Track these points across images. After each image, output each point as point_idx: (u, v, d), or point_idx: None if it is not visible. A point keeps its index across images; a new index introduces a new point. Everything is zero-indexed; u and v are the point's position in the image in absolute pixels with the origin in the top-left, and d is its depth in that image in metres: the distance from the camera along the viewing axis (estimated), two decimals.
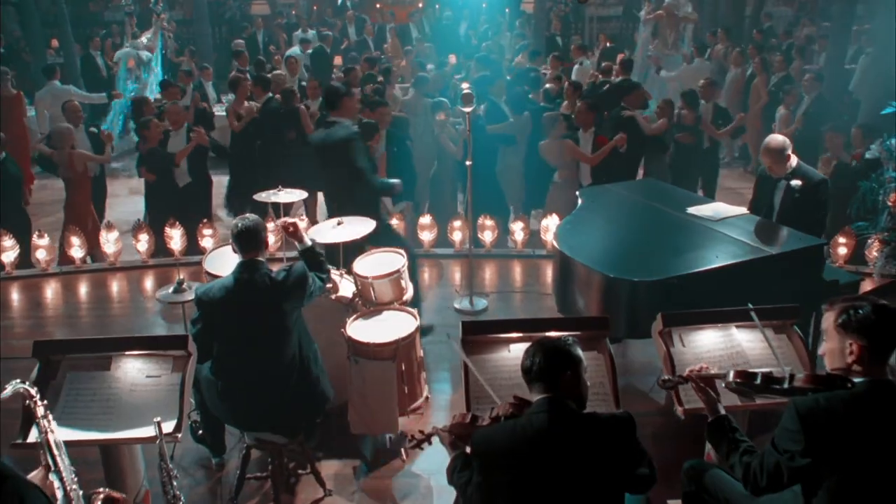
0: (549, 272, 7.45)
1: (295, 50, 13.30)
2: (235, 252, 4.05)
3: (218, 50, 16.72)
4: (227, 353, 4.01)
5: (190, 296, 4.46)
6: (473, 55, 12.55)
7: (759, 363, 3.48)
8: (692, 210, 5.38)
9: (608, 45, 15.11)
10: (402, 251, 5.18)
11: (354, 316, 4.84)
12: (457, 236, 7.66)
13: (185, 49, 14.91)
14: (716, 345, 3.61)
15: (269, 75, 10.31)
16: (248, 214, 4.13)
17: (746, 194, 11.00)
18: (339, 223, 5.10)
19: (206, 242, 7.47)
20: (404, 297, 5.04)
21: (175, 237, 7.48)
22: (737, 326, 3.66)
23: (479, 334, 3.57)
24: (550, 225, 7.59)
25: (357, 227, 5.13)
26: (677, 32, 12.58)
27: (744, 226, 5.12)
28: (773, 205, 5.51)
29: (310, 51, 13.61)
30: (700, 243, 4.90)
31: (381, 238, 5.45)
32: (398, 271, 4.95)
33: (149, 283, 7.28)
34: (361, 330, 4.69)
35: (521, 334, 3.55)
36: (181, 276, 4.70)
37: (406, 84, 11.21)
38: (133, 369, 3.51)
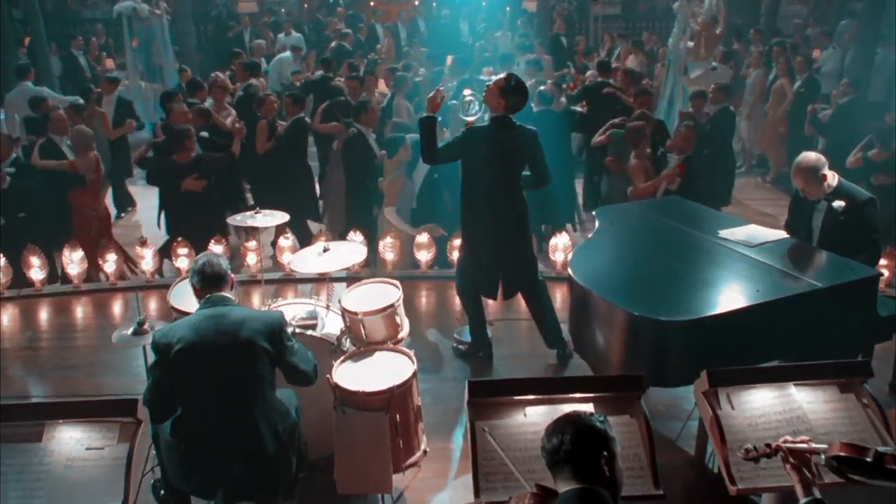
0: (557, 296, 6.94)
1: (286, 55, 12.79)
2: (196, 293, 3.61)
3: (203, 50, 16.20)
4: (191, 408, 3.50)
5: (148, 340, 3.95)
6: (470, 56, 12.10)
7: (824, 429, 2.97)
8: (724, 234, 4.90)
9: (610, 44, 14.67)
10: (396, 283, 4.66)
11: (342, 358, 4.32)
12: (457, 256, 7.12)
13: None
14: (772, 407, 3.10)
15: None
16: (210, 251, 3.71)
17: (761, 207, 10.78)
18: (324, 249, 4.58)
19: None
20: (399, 336, 4.52)
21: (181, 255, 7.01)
22: (796, 385, 3.14)
23: (488, 396, 3.05)
24: (559, 244, 7.08)
25: (345, 254, 4.62)
26: (711, 48, 12.12)
27: (784, 253, 4.64)
28: (812, 228, 5.05)
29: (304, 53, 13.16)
30: (736, 274, 4.41)
31: None
32: (392, 306, 4.43)
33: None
34: (350, 375, 4.18)
35: (538, 396, 3.03)
36: (143, 315, 4.17)
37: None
38: (70, 440, 3.00)
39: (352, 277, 6.99)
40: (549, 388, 3.08)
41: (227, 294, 3.60)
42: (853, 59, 11.00)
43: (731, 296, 4.14)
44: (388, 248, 7.14)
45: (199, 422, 3.48)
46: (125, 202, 10.32)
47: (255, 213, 4.72)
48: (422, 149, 5.32)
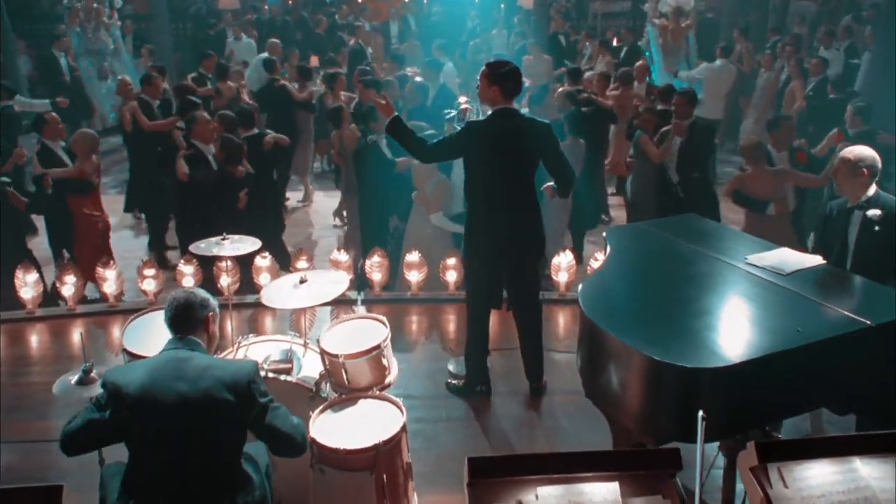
0: (561, 321, 6.50)
1: (265, 55, 12.29)
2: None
3: (181, 49, 15.67)
4: (140, 467, 3.02)
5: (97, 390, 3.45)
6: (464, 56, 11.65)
7: None
8: (752, 260, 4.42)
9: (616, 43, 14.23)
10: (383, 319, 4.18)
11: (321, 407, 3.84)
12: (451, 276, 6.65)
13: (142, 47, 13.84)
14: (833, 485, 2.64)
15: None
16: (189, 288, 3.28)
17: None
18: (301, 280, 4.10)
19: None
20: (387, 381, 4.04)
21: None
22: (861, 458, 2.67)
23: (493, 475, 2.57)
24: (562, 263, 6.61)
25: (326, 285, 4.14)
26: (684, 40, 11.78)
27: (823, 282, 4.18)
28: (847, 243, 4.70)
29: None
30: (770, 308, 3.93)
31: None
32: (378, 347, 3.96)
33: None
34: (330, 428, 3.71)
35: (553, 476, 2.56)
36: (90, 361, 3.66)
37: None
38: None
39: (371, 301, 6.58)
40: (565, 464, 2.59)
41: (197, 339, 3.17)
42: (867, 76, 10.43)
43: (767, 336, 3.66)
44: (374, 268, 6.66)
45: (148, 484, 3.01)
46: None
47: (222, 239, 4.23)
48: (408, 149, 4.93)
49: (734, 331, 3.73)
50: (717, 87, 11.53)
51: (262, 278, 6.55)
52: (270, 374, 3.93)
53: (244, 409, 3.03)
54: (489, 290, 5.17)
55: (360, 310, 6.47)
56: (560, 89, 9.54)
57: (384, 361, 4.00)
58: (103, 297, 6.49)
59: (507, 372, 5.59)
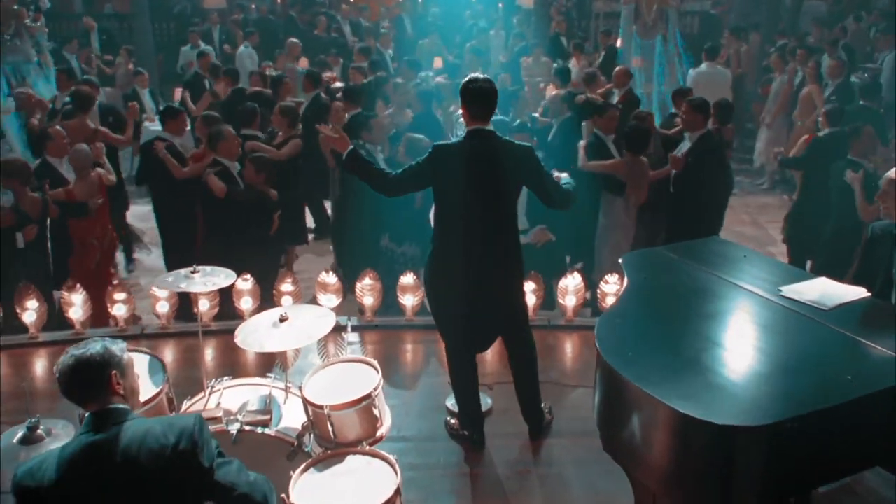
0: (568, 349, 6.11)
1: (245, 50, 11.93)
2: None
3: (164, 50, 15.25)
4: None
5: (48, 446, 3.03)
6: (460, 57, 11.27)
7: None
8: (788, 292, 4.04)
9: (620, 45, 13.85)
10: (374, 363, 3.78)
11: (303, 466, 3.44)
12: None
13: (121, 48, 13.41)
14: None
15: None
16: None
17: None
18: (281, 318, 3.70)
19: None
20: (378, 433, 3.64)
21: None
22: None
23: None
24: (569, 286, 6.22)
25: (308, 323, 3.74)
26: (658, 13, 11.36)
27: (872, 319, 3.81)
28: (894, 276, 4.34)
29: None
30: (815, 352, 3.56)
31: None
32: (369, 397, 3.56)
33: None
34: (313, 492, 3.30)
35: None
36: (34, 418, 3.25)
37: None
38: None
39: (361, 327, 6.21)
40: None
41: (110, 408, 2.62)
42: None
43: (813, 387, 3.28)
44: (366, 291, 6.25)
45: None
46: None
47: (192, 272, 3.82)
48: (370, 184, 4.46)
49: (774, 380, 3.35)
50: (709, 95, 11.05)
51: (244, 303, 6.14)
52: (246, 427, 3.53)
53: (185, 480, 2.58)
54: (467, 335, 4.68)
55: (350, 336, 6.14)
56: (553, 92, 9.18)
57: (375, 412, 3.61)
58: (70, 324, 6.07)
59: (509, 409, 5.16)
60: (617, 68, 10.21)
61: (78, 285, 5.96)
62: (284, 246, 7.76)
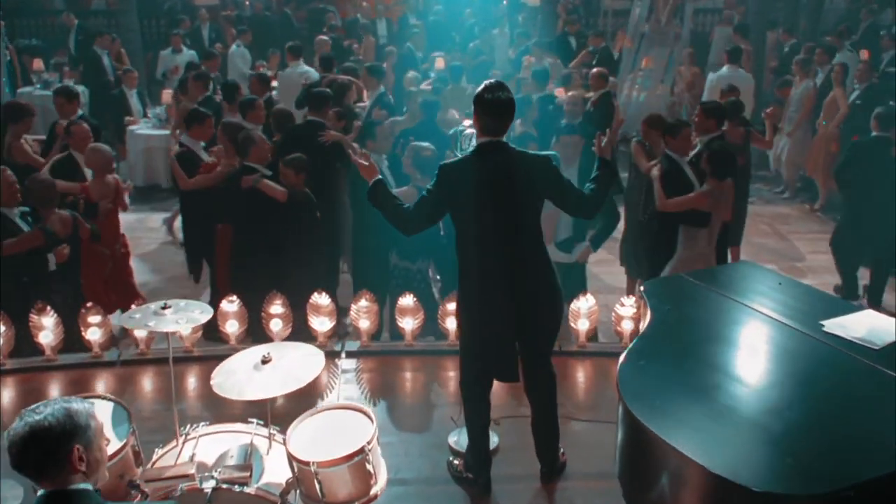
0: (580, 378, 5.77)
1: (236, 49, 11.59)
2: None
3: (153, 48, 14.88)
4: None
5: None
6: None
7: None
8: (831, 328, 3.69)
9: (630, 44, 13.52)
10: (368, 411, 3.44)
11: None
12: (451, 323, 5.89)
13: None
14: None
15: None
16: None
17: (812, 244, 9.59)
18: (264, 360, 3.35)
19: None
20: (372, 492, 3.29)
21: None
22: None
23: None
24: (582, 309, 5.87)
25: (295, 365, 3.40)
26: (672, 7, 11.01)
27: None
28: None
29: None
30: (870, 403, 3.21)
31: None
32: (362, 451, 3.21)
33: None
34: None
35: None
36: None
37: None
38: None
39: (357, 353, 5.87)
40: None
41: (77, 485, 2.29)
42: None
43: (872, 447, 2.92)
44: (362, 314, 5.90)
45: None
46: None
47: (163, 307, 3.47)
48: (390, 221, 4.15)
49: (825, 437, 3.00)
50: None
51: (229, 326, 5.79)
52: (223, 485, 3.18)
53: None
54: (485, 361, 4.36)
55: (344, 363, 5.80)
56: (570, 94, 8.84)
57: (369, 468, 3.26)
58: (40, 351, 5.71)
59: (519, 447, 4.81)
60: (593, 70, 9.91)
61: (48, 307, 5.60)
62: (339, 250, 7.39)
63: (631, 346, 3.71)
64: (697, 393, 3.35)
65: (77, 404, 2.36)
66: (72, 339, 5.77)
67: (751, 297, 4.06)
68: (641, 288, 4.27)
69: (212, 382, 3.32)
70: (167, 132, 10.34)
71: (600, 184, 4.32)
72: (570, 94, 8.57)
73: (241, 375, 3.33)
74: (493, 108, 4.01)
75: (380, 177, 4.17)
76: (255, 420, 3.68)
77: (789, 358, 3.57)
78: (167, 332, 3.43)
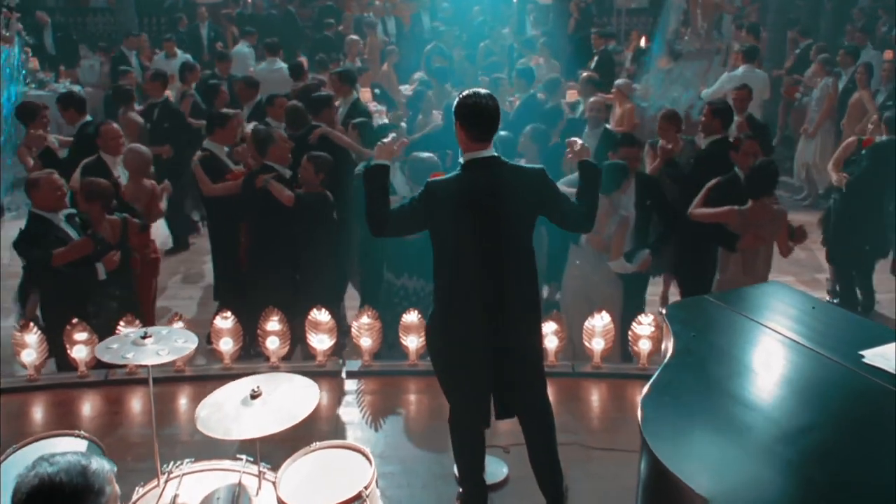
0: (594, 401, 5.53)
1: (241, 49, 11.35)
2: None
3: (153, 46, 14.63)
4: None
5: None
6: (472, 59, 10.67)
7: None
8: (872, 357, 3.44)
9: (644, 44, 13.26)
10: (366, 451, 3.20)
11: None
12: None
13: (97, 48, 12.89)
14: None
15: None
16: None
17: None
18: (253, 394, 3.12)
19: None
20: None
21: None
22: None
23: None
24: (597, 327, 5.62)
25: (288, 398, 3.16)
26: (711, 21, 10.68)
27: None
28: None
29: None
30: None
31: None
32: (360, 497, 2.97)
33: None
34: None
35: None
36: None
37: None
38: None
39: (359, 373, 5.65)
40: None
41: None
42: None
43: None
44: (363, 331, 5.66)
45: None
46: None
47: (143, 336, 3.24)
48: (367, 209, 3.87)
49: (882, 495, 2.74)
50: None
51: (223, 344, 5.56)
52: None
53: None
54: (478, 405, 4.10)
55: (345, 384, 5.57)
56: (592, 99, 8.61)
57: None
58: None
59: (531, 476, 4.55)
60: (583, 75, 9.68)
61: (31, 324, 5.38)
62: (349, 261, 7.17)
63: (654, 378, 3.45)
64: (727, 433, 3.10)
65: (96, 463, 2.19)
66: None
67: (782, 322, 3.81)
68: (663, 311, 4.02)
69: (196, 417, 3.08)
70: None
71: (589, 190, 4.10)
72: (591, 99, 8.32)
73: (228, 411, 3.09)
74: (474, 113, 3.75)
75: (387, 163, 3.92)
76: (244, 456, 3.44)
77: (829, 394, 3.32)
78: (147, 364, 3.19)
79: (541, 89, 9.08)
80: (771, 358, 3.60)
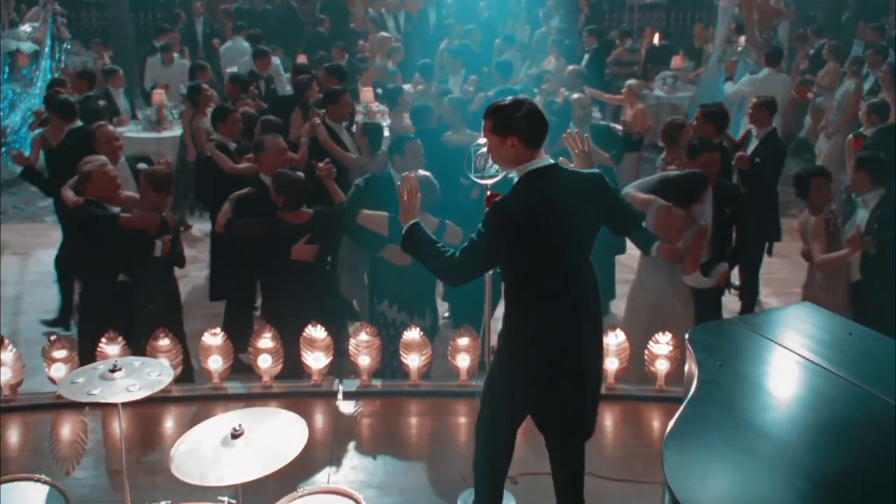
0: (608, 426, 5.25)
1: (238, 43, 11.15)
2: None
3: (147, 42, 14.41)
4: None
5: None
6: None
7: None
8: None
9: (659, 42, 13.01)
10: (357, 496, 2.95)
11: None
12: (463, 361, 5.39)
13: (93, 42, 12.63)
14: None
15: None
16: None
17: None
18: (234, 434, 2.86)
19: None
20: None
21: None
22: None
23: None
24: (611, 345, 5.36)
25: (274, 439, 2.91)
26: (769, 29, 10.31)
27: None
28: None
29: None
30: None
31: None
32: None
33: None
34: None
35: None
36: None
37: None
38: None
39: (356, 393, 5.40)
40: None
41: None
42: None
43: None
44: (362, 349, 5.41)
45: None
46: None
47: (112, 369, 2.98)
48: (430, 269, 3.68)
49: None
50: None
51: (213, 362, 5.32)
52: None
53: None
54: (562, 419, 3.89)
55: (341, 405, 5.34)
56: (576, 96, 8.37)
57: None
58: None
59: None
60: (569, 68, 9.41)
61: (6, 340, 5.14)
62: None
63: (678, 415, 3.19)
64: (758, 475, 2.84)
65: None
66: None
67: (816, 350, 3.54)
68: (686, 336, 3.76)
69: (171, 463, 2.83)
70: (159, 135, 9.92)
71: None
72: (575, 96, 8.08)
73: (206, 452, 2.84)
74: (529, 116, 3.52)
75: (417, 220, 3.68)
76: (225, 498, 3.20)
77: (870, 432, 3.05)
78: (116, 403, 2.94)
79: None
80: (805, 390, 3.36)
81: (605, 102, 10.58)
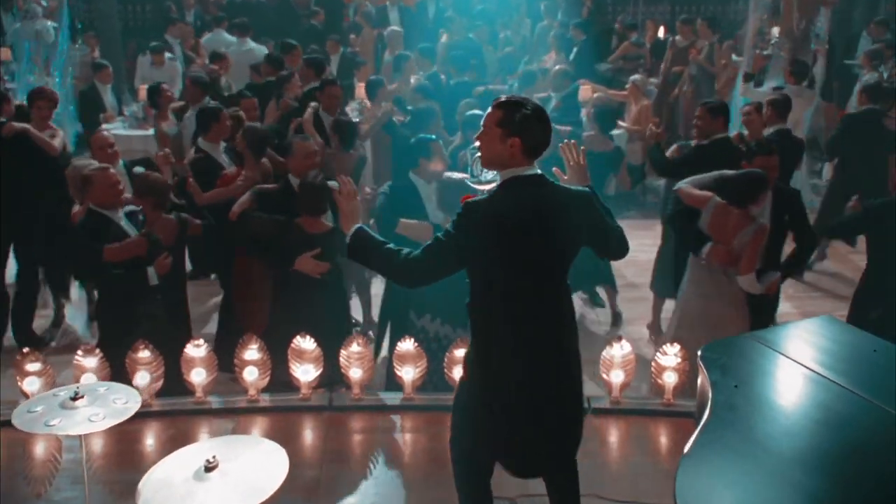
0: (613, 443, 5.07)
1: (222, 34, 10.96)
2: None
3: (134, 36, 14.19)
4: None
5: None
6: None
7: None
8: None
9: (662, 36, 12.82)
10: None
11: None
12: (458, 373, 5.17)
13: (83, 34, 12.42)
14: None
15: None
16: None
17: None
18: (208, 466, 2.67)
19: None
20: None
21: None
22: None
23: None
24: (616, 357, 5.16)
25: (251, 471, 2.71)
26: (809, 19, 9.90)
27: None
28: None
29: None
30: None
31: None
32: None
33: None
34: None
35: None
36: None
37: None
38: None
39: (346, 408, 5.24)
40: None
41: None
42: None
43: None
44: (353, 361, 5.21)
45: None
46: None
47: (73, 397, 2.78)
48: (381, 273, 3.67)
49: None
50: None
51: (196, 375, 5.12)
52: None
53: None
54: (492, 443, 3.69)
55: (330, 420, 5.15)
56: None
57: None
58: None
59: None
60: (556, 68, 9.21)
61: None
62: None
63: (692, 442, 2.99)
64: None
65: None
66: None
67: (839, 368, 3.35)
68: (699, 353, 3.56)
69: (137, 496, 2.63)
70: (147, 132, 9.70)
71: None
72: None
73: (177, 487, 2.64)
74: (543, 125, 3.37)
75: (360, 224, 3.50)
76: None
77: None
78: (77, 435, 2.73)
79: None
80: (826, 412, 3.15)
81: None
